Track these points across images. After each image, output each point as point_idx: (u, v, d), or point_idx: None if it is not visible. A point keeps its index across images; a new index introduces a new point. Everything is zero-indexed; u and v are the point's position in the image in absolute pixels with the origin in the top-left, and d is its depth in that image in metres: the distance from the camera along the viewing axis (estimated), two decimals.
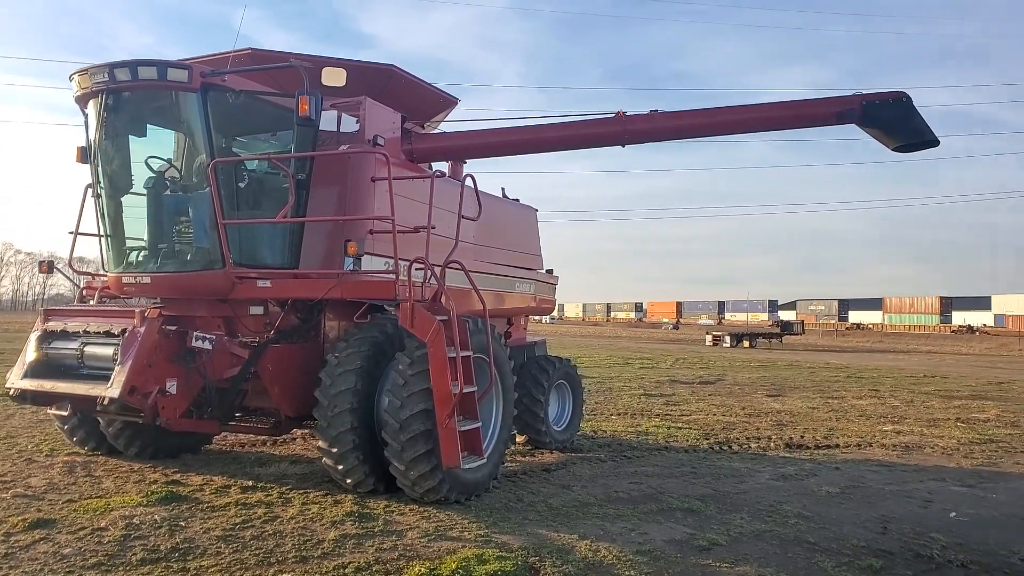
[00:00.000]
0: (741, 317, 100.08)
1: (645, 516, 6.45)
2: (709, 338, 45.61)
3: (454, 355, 6.30)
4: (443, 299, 6.63)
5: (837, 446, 10.25)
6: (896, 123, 8.29)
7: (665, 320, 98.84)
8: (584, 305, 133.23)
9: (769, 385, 18.95)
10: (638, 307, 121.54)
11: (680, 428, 11.37)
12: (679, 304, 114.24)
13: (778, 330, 49.59)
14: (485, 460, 6.85)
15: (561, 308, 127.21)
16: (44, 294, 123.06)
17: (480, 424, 6.61)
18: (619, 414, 12.93)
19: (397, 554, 5.24)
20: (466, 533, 5.76)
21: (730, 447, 9.97)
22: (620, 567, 5.13)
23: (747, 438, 10.67)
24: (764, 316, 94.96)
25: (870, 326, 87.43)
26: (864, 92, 8.25)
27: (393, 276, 6.56)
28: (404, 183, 7.34)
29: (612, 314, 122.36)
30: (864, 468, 8.76)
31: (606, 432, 10.99)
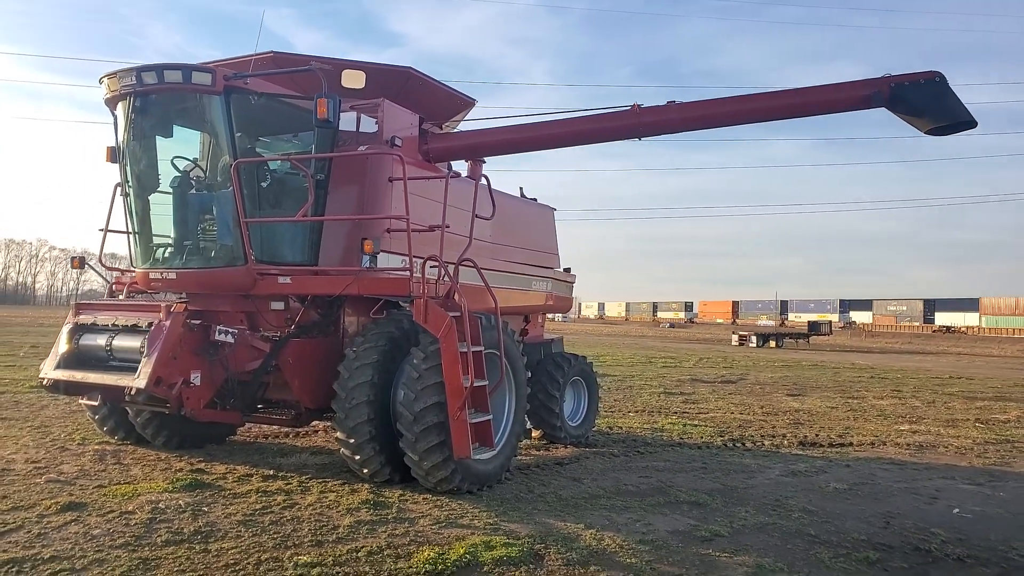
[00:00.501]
0: (806, 318, 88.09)
1: (652, 508, 6.60)
2: (735, 338, 45.43)
3: (466, 350, 6.51)
4: (456, 296, 6.83)
5: (851, 444, 10.30)
6: (928, 105, 7.86)
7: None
8: (628, 304, 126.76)
9: (791, 385, 18.92)
10: (688, 307, 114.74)
11: (696, 425, 11.47)
12: (736, 304, 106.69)
13: (806, 330, 49.26)
14: (497, 452, 7.06)
15: (602, 307, 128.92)
16: (77, 289, 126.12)
17: (491, 417, 6.80)
18: (636, 411, 13.05)
19: (408, 539, 5.45)
20: (476, 521, 5.96)
21: (743, 444, 10.06)
22: (622, 555, 5.29)
23: (762, 436, 10.74)
24: (834, 317, 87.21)
25: (963, 329, 77.84)
26: (894, 74, 7.89)
27: (408, 273, 6.78)
28: (421, 183, 7.55)
29: (658, 313, 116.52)
30: (875, 466, 8.81)
31: (622, 428, 11.12)
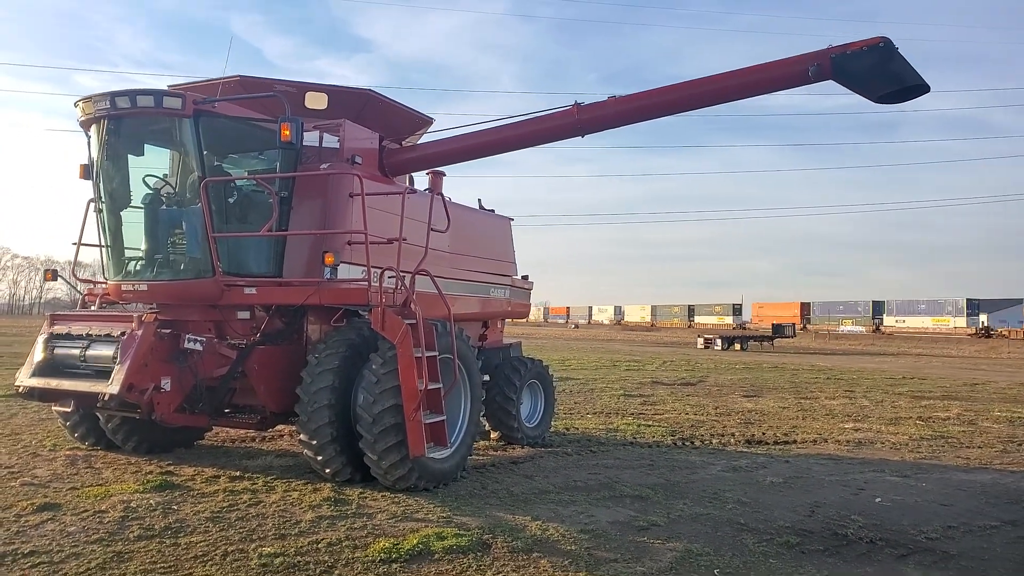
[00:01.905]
0: (918, 323, 77.15)
1: (596, 502, 7.09)
2: (700, 341, 46.24)
3: (420, 355, 6.96)
4: (412, 304, 7.28)
5: (795, 442, 10.90)
6: (872, 72, 7.70)
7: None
8: (654, 308, 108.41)
9: (748, 386, 19.55)
10: (736, 309, 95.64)
11: (649, 426, 11.99)
12: (805, 305, 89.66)
13: (770, 333, 50.26)
14: (452, 451, 7.51)
15: (619, 311, 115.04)
16: (41, 298, 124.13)
17: (444, 417, 7.25)
18: (594, 413, 13.54)
19: (366, 532, 5.88)
20: (430, 515, 6.41)
21: (692, 443, 10.60)
22: (564, 543, 5.77)
23: (711, 435, 11.30)
24: (960, 321, 74.48)
25: (1006, 333, 65.83)
26: (835, 44, 7.79)
27: (367, 284, 7.22)
28: (381, 197, 7.99)
29: (695, 318, 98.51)
30: (812, 461, 9.40)
31: (578, 429, 11.62)
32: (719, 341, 44.58)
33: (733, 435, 11.29)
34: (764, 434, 11.45)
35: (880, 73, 7.67)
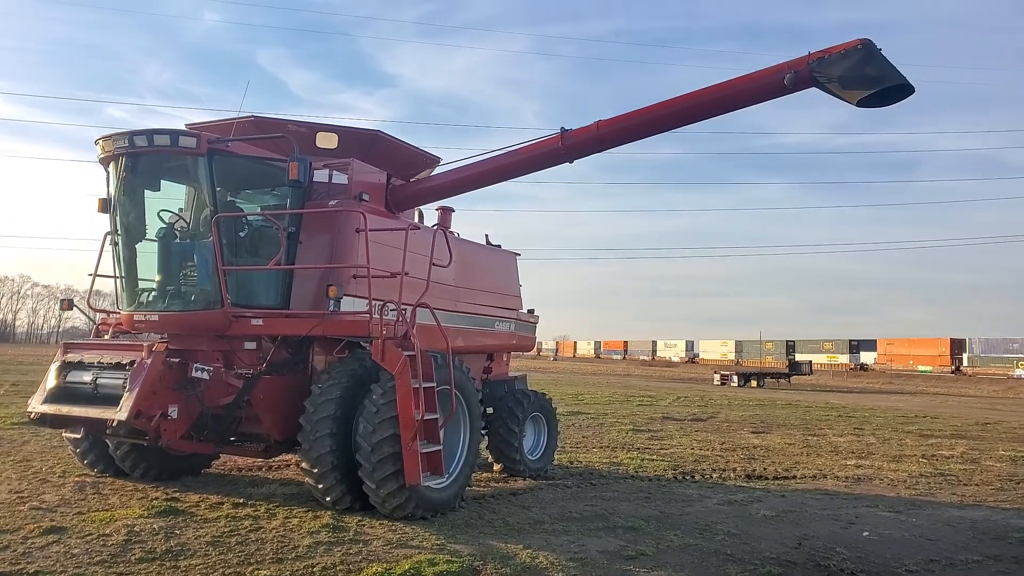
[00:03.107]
0: None
1: (589, 532, 7.21)
2: (717, 377, 46.00)
3: (418, 386, 7.18)
4: (411, 337, 7.51)
5: (794, 477, 10.94)
6: (849, 75, 7.46)
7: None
8: (739, 343, 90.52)
9: (758, 422, 19.52)
10: (852, 347, 79.92)
11: (653, 460, 12.07)
12: (957, 342, 70.53)
13: (787, 370, 49.93)
14: (450, 481, 7.69)
15: (692, 347, 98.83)
16: (59, 327, 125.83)
17: (441, 447, 7.43)
18: (601, 447, 13.63)
19: (360, 558, 6.05)
20: (425, 542, 6.56)
21: (692, 477, 10.68)
22: (552, 570, 5.91)
23: (712, 469, 11.36)
24: None
25: None
26: (814, 51, 7.65)
27: (369, 316, 7.47)
28: (386, 232, 8.28)
29: (794, 354, 75.93)
30: (808, 496, 9.45)
31: (582, 463, 11.72)
32: (735, 377, 44.38)
33: (734, 470, 11.35)
34: (765, 469, 11.49)
35: (858, 76, 7.46)
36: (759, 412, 23.02)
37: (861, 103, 7.70)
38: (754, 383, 43.69)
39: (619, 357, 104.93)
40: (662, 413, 21.54)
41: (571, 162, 9.10)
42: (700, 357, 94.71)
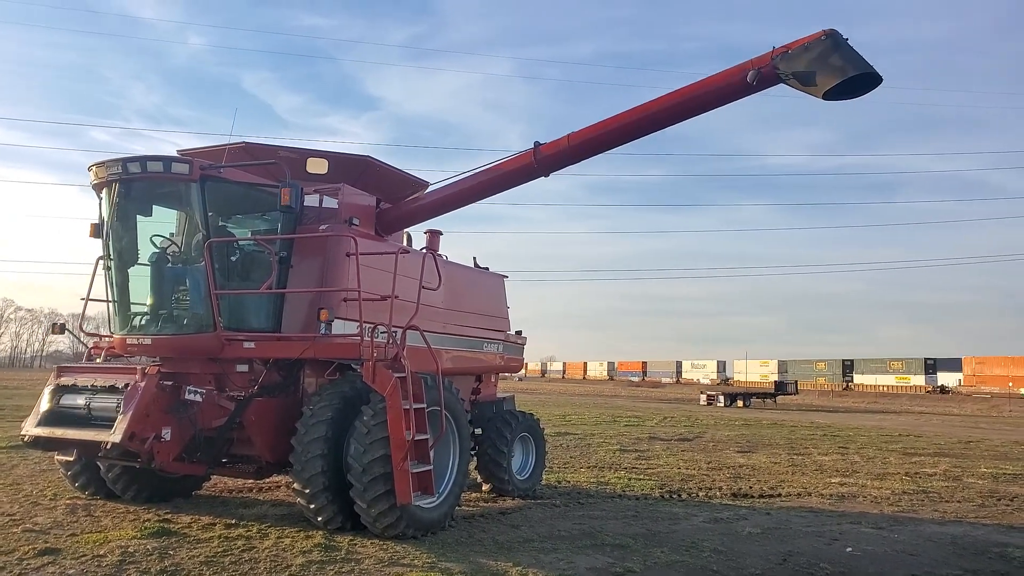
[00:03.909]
0: None
1: (578, 549, 7.33)
2: (703, 397, 46.18)
3: (409, 407, 7.31)
4: (401, 359, 7.65)
5: (779, 495, 11.10)
6: (813, 67, 7.31)
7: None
8: (782, 363, 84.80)
9: (744, 442, 19.69)
10: (928, 366, 71.13)
11: (640, 479, 12.20)
12: None
13: (772, 390, 50.21)
14: (441, 500, 7.79)
15: (725, 368, 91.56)
16: (43, 351, 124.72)
17: (431, 467, 7.54)
18: (588, 467, 13.73)
19: (353, 575, 6.15)
20: (416, 561, 6.66)
21: (679, 496, 10.82)
22: None
23: (699, 488, 11.50)
24: None
25: None
26: (778, 46, 7.59)
27: (359, 339, 7.61)
28: (376, 256, 8.44)
29: (852, 374, 75.67)
30: (793, 514, 9.61)
31: (570, 483, 11.83)
32: (722, 398, 44.58)
33: (720, 488, 11.49)
34: (750, 488, 11.65)
35: (821, 67, 7.29)
36: (745, 432, 23.20)
37: (828, 96, 7.48)
38: (740, 403, 43.85)
39: (638, 379, 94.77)
40: (649, 433, 21.66)
41: (547, 175, 9.22)
42: (734, 379, 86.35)
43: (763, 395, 48.39)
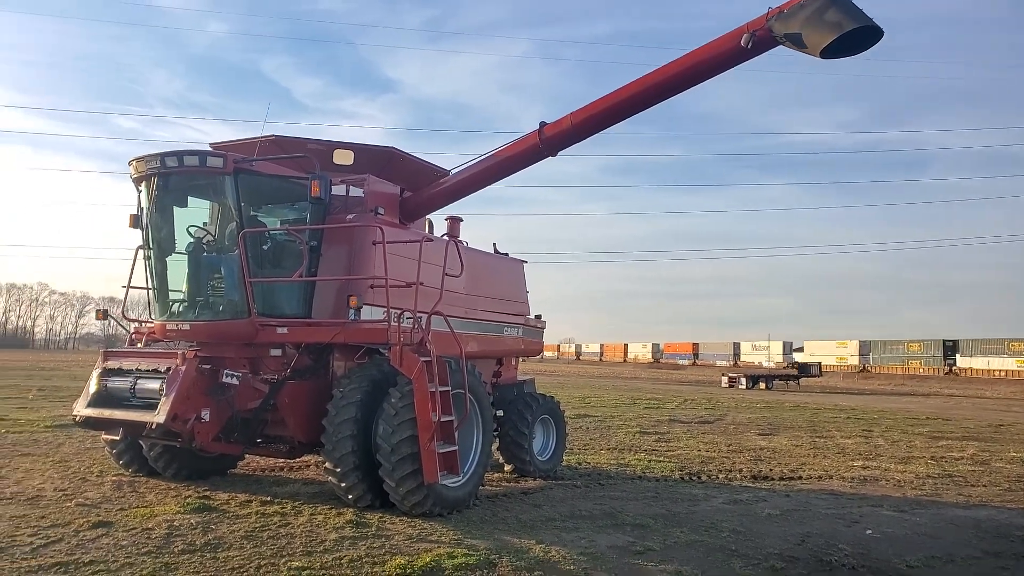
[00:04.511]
0: None
1: (599, 529, 7.60)
2: (725, 380, 46.17)
3: (434, 389, 7.60)
4: (427, 343, 7.93)
5: (800, 478, 11.26)
6: (808, 24, 7.12)
7: None
8: (863, 344, 74.23)
9: (765, 425, 19.78)
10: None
11: (660, 461, 12.42)
12: None
13: (795, 372, 50.06)
14: (465, 480, 8.11)
15: (789, 348, 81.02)
16: (76, 333, 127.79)
17: (457, 448, 7.84)
18: (608, 449, 13.97)
19: (384, 551, 6.46)
20: (443, 537, 6.97)
21: (699, 477, 11.02)
22: (564, 563, 6.30)
23: (719, 470, 11.70)
24: None
25: None
26: (774, 6, 7.49)
27: (386, 324, 7.90)
28: (401, 244, 8.71)
29: (955, 356, 65.78)
30: (813, 496, 9.78)
31: (590, 464, 12.09)
32: (743, 380, 44.54)
33: (740, 471, 11.68)
34: (771, 470, 11.82)
35: (818, 24, 7.09)
36: (766, 414, 23.28)
37: (825, 54, 7.25)
38: (763, 385, 43.84)
39: (687, 362, 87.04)
40: (669, 416, 21.82)
41: (554, 155, 9.37)
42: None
43: (786, 377, 48.22)
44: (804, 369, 50.24)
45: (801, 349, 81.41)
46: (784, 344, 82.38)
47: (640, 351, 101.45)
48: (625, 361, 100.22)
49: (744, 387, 43.25)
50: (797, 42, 7.34)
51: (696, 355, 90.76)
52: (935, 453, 14.56)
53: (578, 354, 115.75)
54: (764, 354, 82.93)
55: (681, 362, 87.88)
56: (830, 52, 7.26)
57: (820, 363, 56.89)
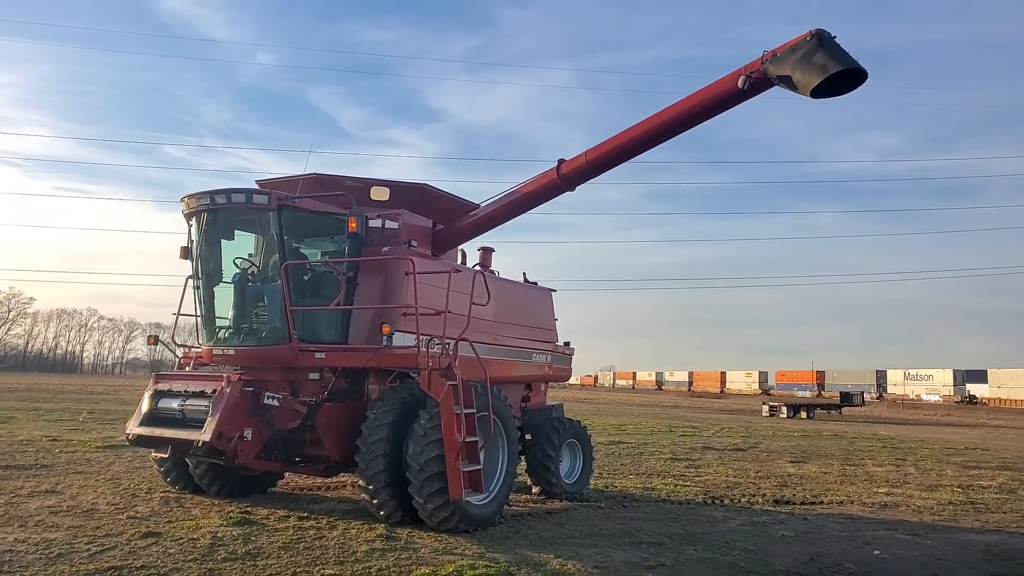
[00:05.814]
0: None
1: (616, 546, 7.95)
2: (766, 408, 45.68)
3: (460, 412, 8.07)
4: (454, 368, 8.43)
5: (821, 502, 11.43)
6: (798, 66, 7.56)
7: None
8: (960, 374, 68.15)
9: (798, 453, 19.77)
10: (957, 377, 64.36)
11: (686, 486, 12.67)
12: None
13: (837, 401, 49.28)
14: (491, 498, 8.54)
15: (883, 379, 73.69)
16: (123, 358, 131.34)
17: (481, 467, 8.28)
18: (637, 474, 14.23)
19: (411, 562, 6.92)
20: (467, 551, 7.40)
21: (721, 501, 11.27)
22: (578, 575, 6.69)
23: (743, 495, 11.91)
24: None
25: None
26: (769, 50, 7.95)
27: (417, 350, 8.42)
28: (431, 275, 9.26)
29: None
30: (830, 520, 9.98)
31: (617, 488, 12.40)
32: (784, 409, 44.04)
33: (764, 495, 11.88)
34: (794, 495, 11.99)
35: (806, 66, 7.55)
36: (802, 443, 23.20)
37: (815, 94, 7.70)
38: (804, 414, 43.32)
39: (807, 395, 72.10)
40: (703, 443, 21.89)
41: (572, 190, 10.05)
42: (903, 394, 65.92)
43: (828, 406, 47.53)
44: (846, 398, 49.43)
45: (983, 377, 68.51)
46: (956, 374, 70.03)
47: (744, 380, 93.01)
48: (722, 392, 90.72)
49: (785, 416, 42.80)
50: (789, 84, 7.87)
51: (822, 386, 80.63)
52: (964, 481, 14.55)
53: (659, 384, 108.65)
54: (923, 384, 70.94)
55: (802, 394, 73.42)
56: (819, 92, 7.76)
57: (863, 393, 55.86)
